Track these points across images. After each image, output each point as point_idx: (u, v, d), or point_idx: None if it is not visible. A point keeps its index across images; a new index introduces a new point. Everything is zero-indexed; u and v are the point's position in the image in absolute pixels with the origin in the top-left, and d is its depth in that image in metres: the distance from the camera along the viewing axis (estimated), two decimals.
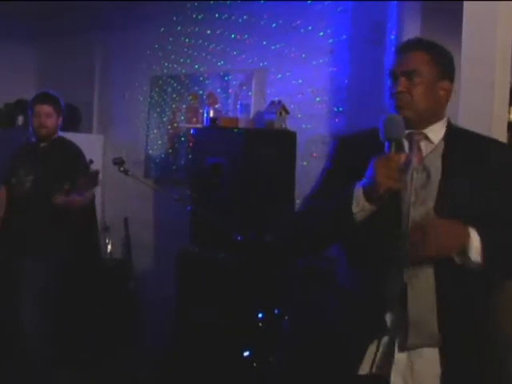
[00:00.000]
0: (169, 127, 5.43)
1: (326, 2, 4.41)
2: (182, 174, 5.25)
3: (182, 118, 5.32)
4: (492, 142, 2.26)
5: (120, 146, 5.70)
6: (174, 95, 5.40)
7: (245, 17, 4.89)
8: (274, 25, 4.69)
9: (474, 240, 2.04)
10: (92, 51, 6.15)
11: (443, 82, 2.18)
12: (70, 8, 5.86)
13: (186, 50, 5.32)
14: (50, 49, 6.55)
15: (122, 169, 4.36)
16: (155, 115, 5.55)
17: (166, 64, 5.48)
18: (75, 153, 4.44)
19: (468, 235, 2.04)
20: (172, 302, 4.68)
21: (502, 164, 2.15)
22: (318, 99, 4.47)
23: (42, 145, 4.41)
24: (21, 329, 4.16)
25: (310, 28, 4.51)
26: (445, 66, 2.19)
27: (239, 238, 4.02)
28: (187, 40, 5.29)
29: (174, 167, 5.37)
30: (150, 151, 5.58)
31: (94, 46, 6.12)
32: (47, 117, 4.33)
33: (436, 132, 2.19)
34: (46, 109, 4.33)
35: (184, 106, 5.32)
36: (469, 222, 2.05)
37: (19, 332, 4.17)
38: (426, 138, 2.18)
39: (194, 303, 4.46)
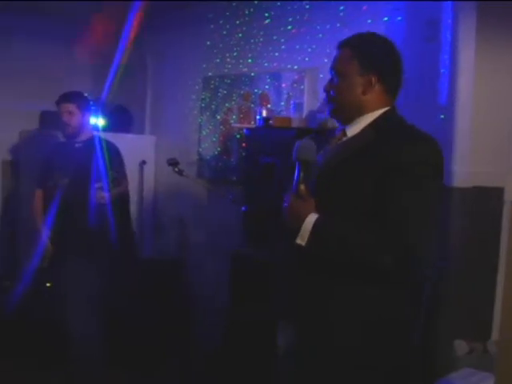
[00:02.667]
0: (221, 127, 5.43)
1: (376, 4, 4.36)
2: (235, 174, 5.25)
3: (234, 117, 5.32)
4: (402, 142, 2.13)
5: (172, 146, 5.72)
6: (226, 95, 5.40)
7: (297, 16, 4.86)
8: (326, 24, 4.64)
9: (307, 224, 2.15)
10: (144, 52, 6.19)
11: (364, 77, 2.25)
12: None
13: (237, 49, 5.31)
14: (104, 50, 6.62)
15: (176, 169, 4.38)
16: (207, 115, 5.56)
17: (218, 64, 5.48)
18: (110, 151, 4.46)
19: (303, 219, 2.16)
20: (225, 301, 4.68)
21: (394, 164, 2.08)
22: None
23: (77, 145, 4.44)
24: (73, 330, 4.20)
25: (362, 26, 4.45)
26: (367, 61, 2.26)
27: None
28: (239, 40, 5.29)
29: (226, 167, 5.37)
30: (203, 151, 5.59)
31: (146, 47, 6.16)
32: (70, 115, 4.36)
33: (356, 127, 2.27)
34: (69, 107, 4.36)
35: (236, 106, 5.31)
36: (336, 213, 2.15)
37: (72, 334, 4.21)
38: (345, 133, 2.29)
39: (247, 303, 4.45)
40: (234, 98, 5.33)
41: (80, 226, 4.22)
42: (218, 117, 5.45)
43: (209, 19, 5.43)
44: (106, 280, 4.24)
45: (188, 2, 5.42)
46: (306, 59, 4.80)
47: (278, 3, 4.97)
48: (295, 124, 4.52)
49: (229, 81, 5.38)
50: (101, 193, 4.20)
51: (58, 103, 4.42)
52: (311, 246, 2.16)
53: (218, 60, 5.48)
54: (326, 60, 4.62)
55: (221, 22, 5.36)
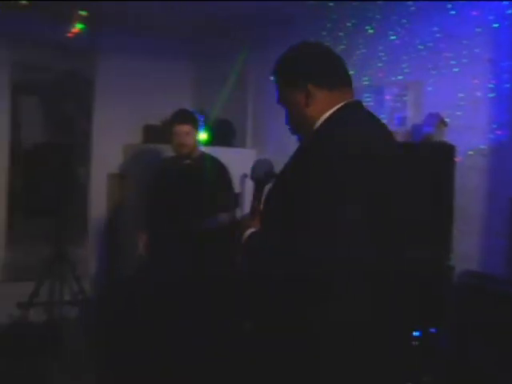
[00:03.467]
0: None
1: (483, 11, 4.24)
2: None
3: None
4: (320, 144, 2.06)
5: (272, 160, 5.72)
6: None
7: (398, 29, 4.79)
8: (428, 36, 4.55)
9: (244, 238, 2.20)
10: (245, 66, 6.25)
11: (298, 92, 2.22)
12: (223, 26, 6.01)
13: None
14: (205, 66, 6.74)
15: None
16: None
17: None
18: (219, 170, 4.52)
19: (243, 235, 2.21)
20: None
21: (306, 166, 2.03)
22: (476, 110, 4.29)
23: (187, 161, 4.51)
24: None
25: (466, 37, 4.34)
26: (291, 78, 2.26)
27: None
28: (341, 52, 5.24)
29: None
30: None
31: (247, 61, 6.22)
32: (187, 135, 4.45)
33: (305, 137, 2.27)
34: (186, 128, 4.44)
35: None
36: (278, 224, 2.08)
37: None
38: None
39: None
40: None
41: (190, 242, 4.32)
42: None
43: (310, 32, 5.42)
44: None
45: (290, 17, 5.45)
46: (408, 71, 4.71)
47: (378, 16, 4.92)
48: (399, 137, 4.44)
49: None
50: (214, 217, 4.29)
51: (172, 123, 4.52)
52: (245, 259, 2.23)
53: None
54: (428, 72, 4.54)
55: (323, 33, 5.33)
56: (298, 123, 2.29)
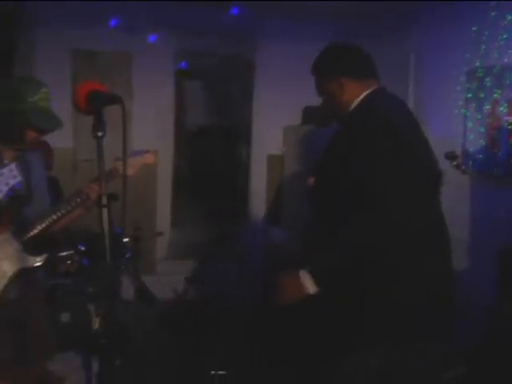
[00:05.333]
0: (488, 120, 5.22)
1: None
2: (502, 168, 5.02)
3: (501, 109, 5.09)
4: (356, 126, 2.66)
5: (434, 139, 5.61)
6: (493, 87, 5.18)
7: None
8: None
9: (307, 283, 2.47)
10: (407, 47, 6.16)
11: (333, 83, 2.80)
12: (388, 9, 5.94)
13: (503, 40, 5.08)
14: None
15: (454, 163, 4.29)
16: (473, 107, 5.38)
17: (483, 55, 5.28)
18: None
19: (301, 285, 2.47)
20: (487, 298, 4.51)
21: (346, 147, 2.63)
22: None
23: None
24: None
25: None
26: (324, 71, 2.85)
27: None
28: (504, 31, 5.05)
29: (492, 161, 5.15)
30: (468, 145, 5.42)
31: (408, 41, 6.13)
32: None
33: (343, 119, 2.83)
34: None
35: (504, 98, 5.08)
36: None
37: None
38: None
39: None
40: (502, 90, 5.09)
41: None
42: (485, 109, 5.25)
43: (472, 13, 5.26)
44: None
45: None
46: None
47: None
48: None
49: (495, 72, 5.15)
50: None
51: None
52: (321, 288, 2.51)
53: (482, 52, 5.27)
54: None
55: (485, 15, 5.14)
56: (335, 109, 2.85)
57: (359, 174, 2.46)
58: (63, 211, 2.80)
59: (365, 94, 2.77)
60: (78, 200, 2.84)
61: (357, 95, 2.77)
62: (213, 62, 6.80)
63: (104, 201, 2.02)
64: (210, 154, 6.45)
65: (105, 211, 2.01)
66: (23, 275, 2.89)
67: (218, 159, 6.47)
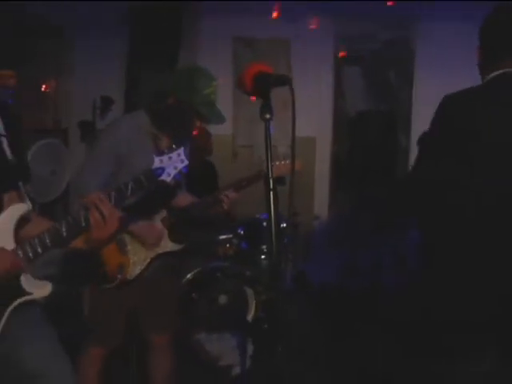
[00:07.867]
0: None
1: None
2: None
3: None
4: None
5: None
6: None
7: None
8: None
9: None
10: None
11: (477, 52, 2.75)
12: None
13: None
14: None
15: None
16: None
17: None
18: None
19: None
20: None
21: None
22: None
23: None
24: None
25: None
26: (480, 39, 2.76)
27: None
28: None
29: None
30: None
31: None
32: None
33: None
34: None
35: None
36: None
37: None
38: None
39: None
40: None
41: None
42: None
43: None
44: None
45: None
46: None
47: None
48: None
49: None
50: None
51: None
52: None
53: None
54: None
55: None
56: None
57: None
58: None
59: (493, 75, 2.66)
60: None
61: (485, 73, 2.71)
62: (372, 47, 6.71)
63: (271, 184, 2.01)
64: (369, 141, 6.37)
65: (271, 195, 2.00)
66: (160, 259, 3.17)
67: (377, 145, 6.38)
